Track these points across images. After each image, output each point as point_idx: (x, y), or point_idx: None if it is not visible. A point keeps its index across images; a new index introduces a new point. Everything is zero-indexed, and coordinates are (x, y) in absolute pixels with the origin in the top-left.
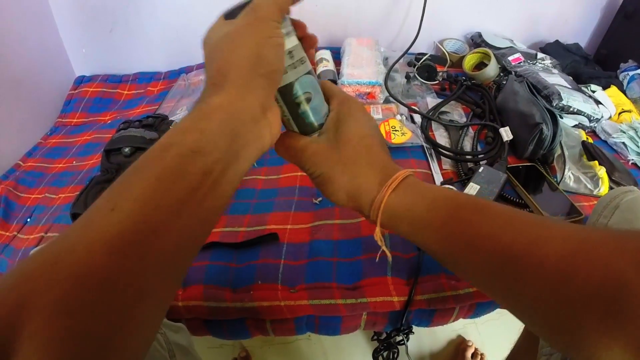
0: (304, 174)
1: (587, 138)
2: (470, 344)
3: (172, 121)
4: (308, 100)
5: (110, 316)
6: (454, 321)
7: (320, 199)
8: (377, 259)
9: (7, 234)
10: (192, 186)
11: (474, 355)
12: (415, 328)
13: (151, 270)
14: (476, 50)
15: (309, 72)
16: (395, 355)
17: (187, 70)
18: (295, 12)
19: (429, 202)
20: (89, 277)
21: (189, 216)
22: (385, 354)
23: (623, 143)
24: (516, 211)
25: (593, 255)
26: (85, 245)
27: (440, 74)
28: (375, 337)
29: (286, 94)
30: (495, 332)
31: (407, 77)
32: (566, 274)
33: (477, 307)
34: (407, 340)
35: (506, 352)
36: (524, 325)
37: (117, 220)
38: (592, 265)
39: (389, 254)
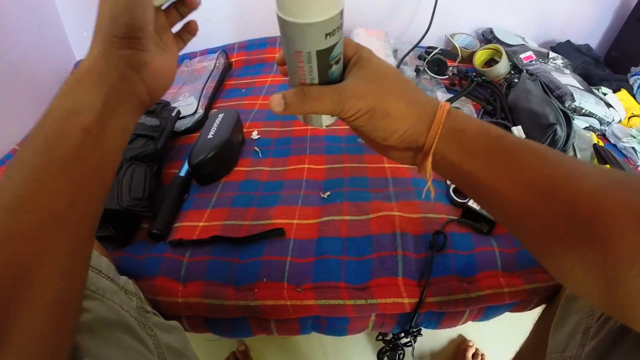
0: (311, 166)
1: (598, 141)
2: (471, 344)
3: (173, 107)
4: (338, 61)
5: (13, 269)
6: (463, 324)
7: (328, 193)
8: (422, 195)
9: None
10: (74, 143)
11: (474, 355)
12: (423, 329)
13: (49, 223)
14: (487, 46)
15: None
16: (401, 357)
17: (190, 56)
18: None
19: (476, 129)
20: None
21: (79, 172)
22: (389, 355)
23: (633, 148)
24: (549, 149)
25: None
26: None
27: (451, 68)
28: (380, 338)
29: (324, 56)
30: (496, 332)
31: (417, 70)
32: (596, 205)
33: (486, 311)
34: (415, 342)
35: (507, 353)
36: (531, 329)
37: (12, 184)
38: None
39: (432, 191)
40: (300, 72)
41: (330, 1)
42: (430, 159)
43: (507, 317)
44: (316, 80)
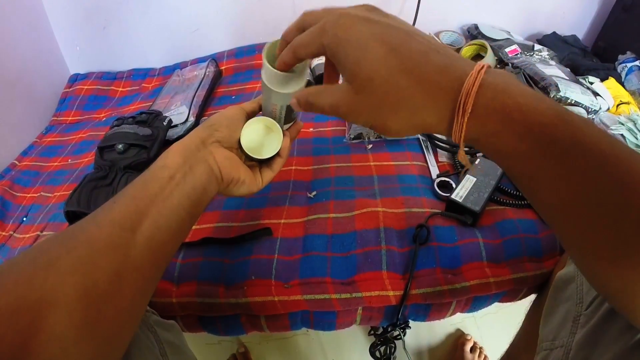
0: (299, 167)
1: None
2: (469, 337)
3: (165, 117)
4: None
5: (110, 274)
6: (451, 315)
7: (314, 192)
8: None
9: (4, 233)
10: (161, 185)
11: (472, 349)
12: (413, 323)
13: (140, 240)
14: (472, 42)
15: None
16: (392, 350)
17: (181, 65)
18: (291, 6)
19: (519, 131)
20: (98, 242)
21: (162, 206)
22: (382, 349)
23: (622, 135)
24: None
25: None
26: (95, 223)
27: None
28: (372, 332)
29: (290, 108)
30: (494, 326)
31: None
32: None
33: (474, 302)
34: (404, 335)
35: (505, 345)
36: (523, 320)
37: (117, 209)
38: None
39: (469, 165)
40: (273, 113)
41: (300, 81)
42: (462, 150)
43: (504, 309)
44: (282, 120)
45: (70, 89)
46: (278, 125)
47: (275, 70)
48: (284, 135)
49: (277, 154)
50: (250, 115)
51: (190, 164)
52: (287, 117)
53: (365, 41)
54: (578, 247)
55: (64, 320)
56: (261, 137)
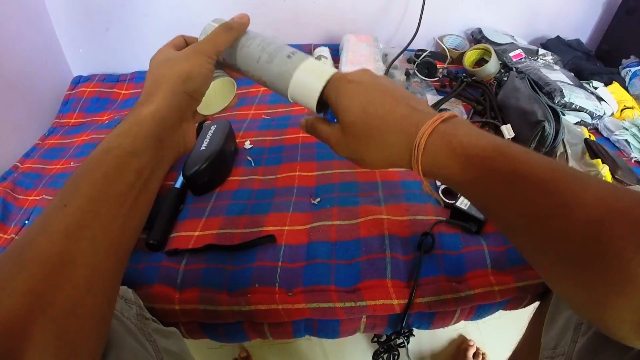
0: (302, 173)
1: (589, 135)
2: (471, 343)
3: None
4: None
5: (69, 290)
6: (455, 323)
7: (318, 199)
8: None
9: (6, 236)
10: (129, 183)
11: (475, 354)
12: (415, 330)
13: (102, 250)
14: (476, 46)
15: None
16: (396, 358)
17: None
18: (293, 9)
19: (462, 163)
20: (51, 258)
21: (129, 207)
22: (385, 356)
23: (626, 140)
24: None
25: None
26: (45, 235)
27: (441, 70)
28: (375, 339)
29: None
30: (497, 331)
31: (407, 73)
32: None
33: (478, 309)
34: (408, 343)
35: (507, 351)
36: (526, 327)
37: (70, 213)
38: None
39: (441, 201)
40: (247, 76)
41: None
42: (425, 182)
43: (507, 315)
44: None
45: (73, 91)
46: (233, 81)
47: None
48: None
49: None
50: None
51: (162, 154)
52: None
53: (352, 95)
54: (535, 264)
55: (22, 345)
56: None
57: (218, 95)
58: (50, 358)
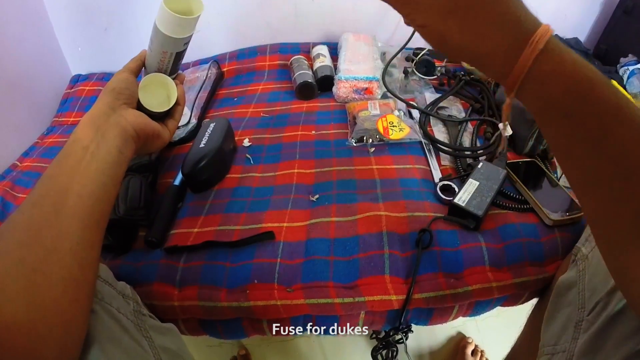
0: (301, 170)
1: None
2: (470, 341)
3: None
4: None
5: (36, 247)
6: (453, 320)
7: (317, 196)
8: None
9: None
10: (77, 157)
11: (474, 352)
12: (414, 326)
13: (63, 214)
14: None
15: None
16: (394, 354)
17: (183, 67)
18: (291, 7)
19: (567, 83)
20: (20, 224)
21: (82, 176)
22: (384, 352)
23: None
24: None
25: None
26: (18, 209)
27: (439, 68)
28: (374, 336)
29: (179, 56)
30: (495, 329)
31: (405, 72)
32: None
33: (476, 306)
34: (406, 339)
35: (506, 349)
36: (524, 324)
37: (36, 187)
38: None
39: (504, 132)
40: (161, 63)
41: (191, 27)
42: (508, 103)
43: (505, 313)
44: (169, 70)
45: (72, 90)
46: (169, 78)
47: (175, 14)
48: (176, 85)
49: (176, 103)
50: (136, 73)
51: (102, 132)
52: (174, 67)
53: None
54: (602, 225)
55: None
56: (156, 92)
57: (157, 90)
58: (22, 309)
